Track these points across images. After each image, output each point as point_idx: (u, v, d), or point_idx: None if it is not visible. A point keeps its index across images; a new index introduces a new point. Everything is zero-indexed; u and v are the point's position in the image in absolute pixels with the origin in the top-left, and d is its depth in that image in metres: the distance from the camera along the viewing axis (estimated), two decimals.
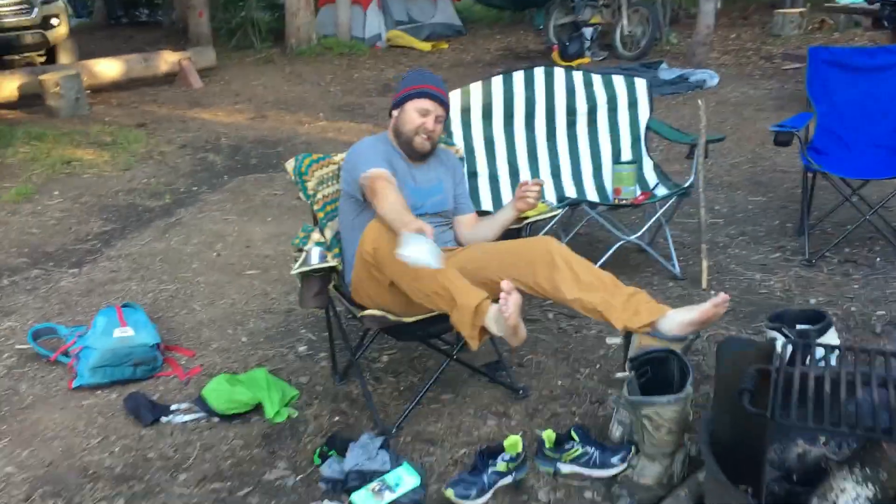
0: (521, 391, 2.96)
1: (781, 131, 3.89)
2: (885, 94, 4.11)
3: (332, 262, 2.70)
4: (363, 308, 2.75)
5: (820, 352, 2.40)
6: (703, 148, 3.74)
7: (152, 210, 5.40)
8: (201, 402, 2.97)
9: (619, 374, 2.42)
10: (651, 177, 4.08)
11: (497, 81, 4.01)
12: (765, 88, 8.07)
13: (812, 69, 4.20)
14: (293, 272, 2.70)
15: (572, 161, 4.13)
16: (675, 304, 2.60)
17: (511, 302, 2.31)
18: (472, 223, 3.04)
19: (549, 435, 2.50)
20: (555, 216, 3.08)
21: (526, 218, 3.02)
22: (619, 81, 4.15)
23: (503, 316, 2.33)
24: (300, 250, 2.87)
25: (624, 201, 3.89)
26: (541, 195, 2.90)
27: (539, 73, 4.07)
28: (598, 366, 3.15)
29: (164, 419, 2.93)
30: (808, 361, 1.94)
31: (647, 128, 4.13)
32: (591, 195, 4.04)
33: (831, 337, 2.41)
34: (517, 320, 2.33)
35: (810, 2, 11.08)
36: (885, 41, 7.13)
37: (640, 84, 4.14)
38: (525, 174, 4.04)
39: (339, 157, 3.09)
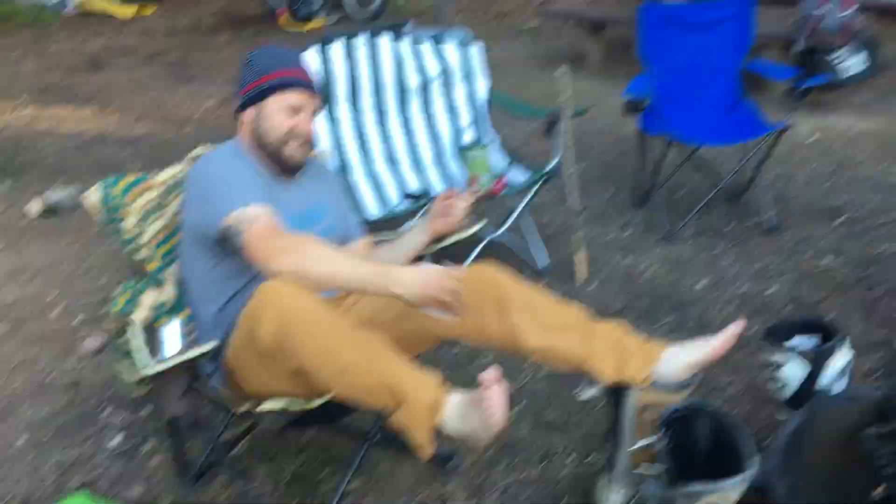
0: (451, 460, 2.29)
1: (635, 100, 3.53)
2: (717, 50, 3.90)
3: (208, 346, 1.80)
4: (242, 395, 1.92)
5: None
6: (567, 124, 3.26)
7: None
8: None
9: (641, 444, 1.85)
10: (499, 159, 3.53)
11: (312, 55, 3.23)
12: (519, 47, 7.89)
13: (644, 27, 3.88)
14: (145, 373, 1.73)
15: (409, 147, 3.47)
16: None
17: (497, 397, 1.61)
18: (366, 253, 2.26)
19: None
20: (475, 236, 2.37)
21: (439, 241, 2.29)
22: (450, 49, 3.55)
23: (486, 415, 1.61)
24: (124, 323, 1.93)
25: (480, 192, 3.31)
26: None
27: (361, 42, 3.37)
28: (523, 404, 2.57)
29: None
30: None
31: (490, 102, 3.58)
32: (438, 186, 3.41)
33: (846, 352, 2.04)
34: (503, 420, 1.64)
35: None
36: None
37: (475, 51, 3.58)
38: (357, 164, 3.33)
39: (161, 178, 2.16)
